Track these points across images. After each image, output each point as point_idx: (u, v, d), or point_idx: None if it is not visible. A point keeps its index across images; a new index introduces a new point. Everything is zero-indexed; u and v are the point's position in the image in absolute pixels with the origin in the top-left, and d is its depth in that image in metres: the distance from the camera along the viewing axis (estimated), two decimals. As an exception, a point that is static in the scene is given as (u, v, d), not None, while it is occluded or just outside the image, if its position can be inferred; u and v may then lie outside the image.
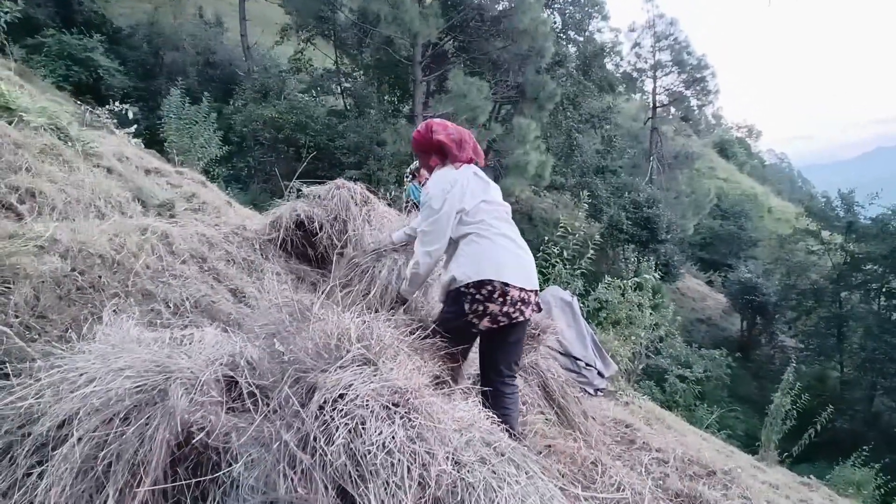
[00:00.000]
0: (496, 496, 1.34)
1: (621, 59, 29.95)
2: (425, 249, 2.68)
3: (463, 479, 1.37)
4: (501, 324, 2.55)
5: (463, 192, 2.68)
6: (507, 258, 2.63)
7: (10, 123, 3.66)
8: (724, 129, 60.68)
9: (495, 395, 2.57)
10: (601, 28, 26.70)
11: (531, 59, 19.07)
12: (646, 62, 29.83)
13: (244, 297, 3.21)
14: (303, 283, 4.12)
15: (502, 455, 1.51)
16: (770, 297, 24.71)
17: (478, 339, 2.74)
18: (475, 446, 1.51)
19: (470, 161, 2.83)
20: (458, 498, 1.32)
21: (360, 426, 1.36)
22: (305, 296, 3.24)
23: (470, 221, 2.68)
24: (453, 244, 2.71)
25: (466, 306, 2.54)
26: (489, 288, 2.53)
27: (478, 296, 2.53)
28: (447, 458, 1.42)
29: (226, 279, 3.22)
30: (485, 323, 2.54)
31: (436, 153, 2.80)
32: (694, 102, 31.56)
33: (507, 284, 2.53)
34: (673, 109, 31.42)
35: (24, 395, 1.32)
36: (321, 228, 4.16)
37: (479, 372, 2.82)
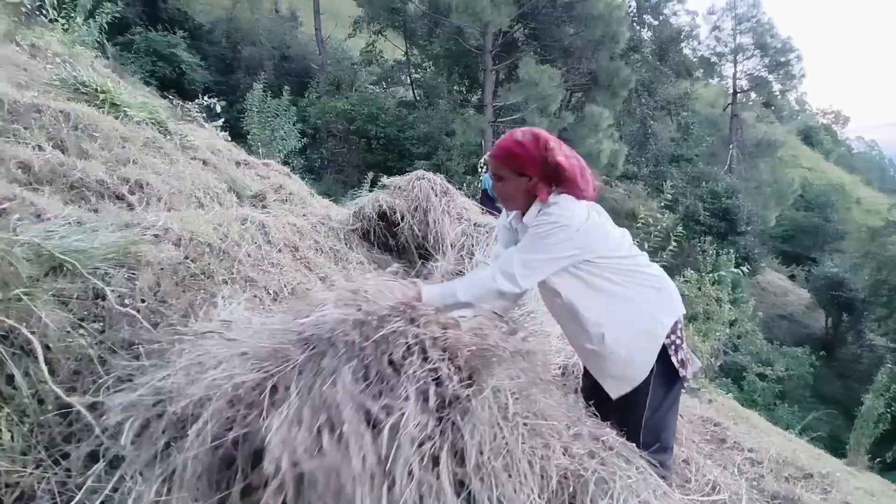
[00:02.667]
0: (609, 488, 1.33)
1: (699, 43, 28.78)
2: (503, 284, 1.79)
3: (574, 470, 1.37)
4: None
5: (598, 232, 1.90)
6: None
7: (116, 118, 3.89)
8: (808, 115, 57.41)
9: None
10: (678, 11, 25.88)
11: (605, 44, 18.64)
12: (726, 46, 28.53)
13: (333, 284, 3.31)
14: (385, 272, 4.22)
15: (611, 449, 1.50)
16: (858, 293, 23.30)
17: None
18: (584, 440, 1.51)
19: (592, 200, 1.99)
20: (571, 489, 1.32)
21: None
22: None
23: (620, 259, 1.92)
24: (606, 295, 1.90)
25: (674, 360, 1.89)
26: (680, 325, 1.95)
27: (677, 339, 1.91)
28: (561, 449, 1.42)
29: (316, 267, 3.33)
30: (689, 370, 1.96)
31: (543, 177, 1.89)
32: (777, 87, 29.96)
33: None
34: (754, 95, 29.96)
35: (159, 377, 1.40)
36: (402, 219, 4.23)
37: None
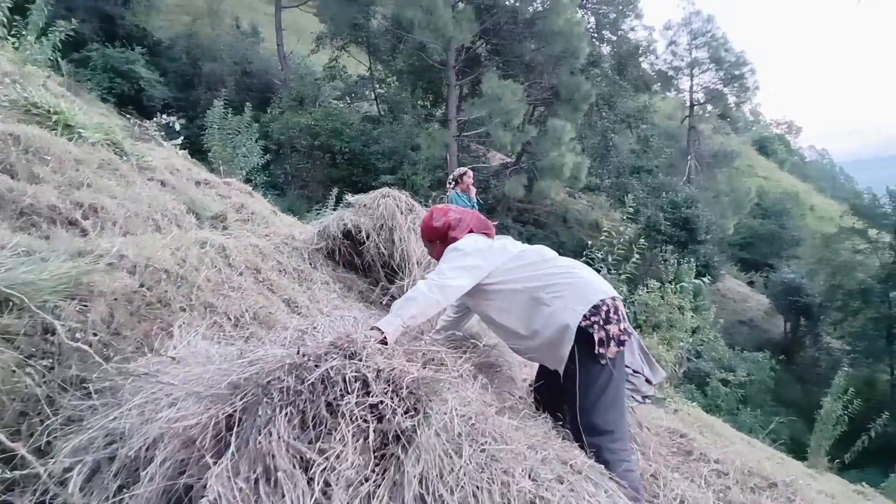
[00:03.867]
0: (577, 516, 1.32)
1: (656, 58, 29.47)
2: (433, 281, 2.24)
3: (542, 497, 1.35)
4: (624, 342, 2.21)
5: (492, 249, 2.44)
6: (589, 273, 2.38)
7: (69, 140, 3.77)
8: (763, 126, 59.24)
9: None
10: (635, 27, 26.41)
11: (565, 60, 18.96)
12: (682, 60, 29.29)
13: (297, 306, 3.25)
14: (350, 292, 4.16)
15: (579, 473, 1.49)
16: (815, 298, 24.02)
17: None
18: (551, 464, 1.50)
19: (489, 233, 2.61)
20: (539, 518, 1.31)
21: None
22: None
23: (528, 263, 2.38)
24: (521, 296, 2.29)
25: (595, 338, 2.12)
26: (605, 309, 2.18)
27: (599, 321, 2.15)
28: (524, 474, 1.40)
29: (279, 289, 3.27)
30: (612, 349, 2.14)
31: (447, 242, 2.49)
32: (732, 100, 30.83)
33: (615, 298, 2.24)
34: (710, 107, 30.77)
35: (112, 416, 1.35)
36: (368, 237, 4.19)
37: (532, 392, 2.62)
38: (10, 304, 1.65)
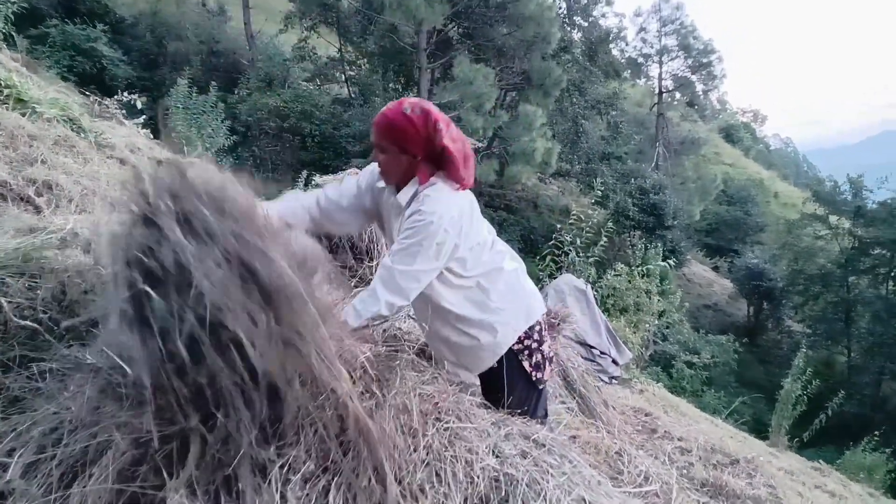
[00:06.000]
0: (541, 488, 1.32)
1: (627, 45, 29.66)
2: (391, 300, 1.74)
3: (506, 473, 1.35)
4: (553, 359, 2.05)
5: (470, 225, 1.88)
6: (529, 280, 2.08)
7: (23, 115, 3.63)
8: (729, 114, 60.24)
9: None
10: (606, 13, 26.49)
11: (537, 45, 18.91)
12: (651, 47, 29.53)
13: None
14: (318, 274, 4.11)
15: (543, 446, 1.49)
16: (777, 283, 24.68)
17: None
18: (515, 440, 1.49)
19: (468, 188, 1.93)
20: (503, 493, 1.30)
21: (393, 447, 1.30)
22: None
23: (482, 259, 1.93)
24: (462, 293, 1.90)
25: (526, 365, 1.94)
26: (538, 328, 1.99)
27: (533, 344, 1.96)
28: (488, 451, 1.40)
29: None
30: (548, 372, 2.01)
31: (426, 158, 1.82)
32: (700, 87, 31.26)
33: (546, 313, 2.06)
34: (679, 95, 31.17)
35: (58, 401, 1.29)
36: (336, 217, 4.13)
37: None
38: (-47, 280, 1.57)
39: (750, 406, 17.43)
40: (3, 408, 1.31)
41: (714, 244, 30.43)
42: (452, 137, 1.81)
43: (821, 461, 7.70)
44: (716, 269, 30.79)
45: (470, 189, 1.92)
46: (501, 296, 1.91)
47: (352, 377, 1.36)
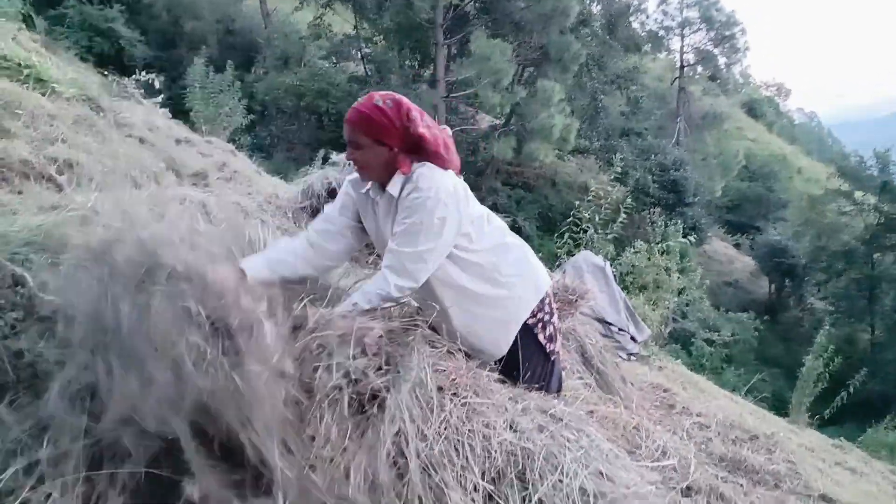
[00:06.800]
0: (558, 462, 1.33)
1: (647, 18, 29.14)
2: (400, 283, 1.73)
3: (523, 447, 1.35)
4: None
5: (467, 199, 1.86)
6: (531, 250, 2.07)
7: (43, 95, 3.66)
8: (752, 88, 58.90)
9: None
10: (626, -16, 25.92)
11: (555, 18, 18.60)
12: (673, 20, 29.00)
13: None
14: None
15: (560, 421, 1.49)
16: (799, 260, 24.33)
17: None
18: (532, 414, 1.50)
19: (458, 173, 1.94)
20: (520, 467, 1.31)
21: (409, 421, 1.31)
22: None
23: (484, 233, 1.91)
24: (474, 273, 1.88)
25: (541, 338, 1.95)
26: (547, 301, 1.99)
27: (545, 317, 1.96)
28: (506, 425, 1.40)
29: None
30: (559, 343, 2.02)
31: (404, 148, 1.80)
32: (722, 61, 30.71)
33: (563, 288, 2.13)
34: (700, 68, 30.61)
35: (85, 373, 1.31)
36: (352, 195, 4.14)
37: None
38: (-22, 256, 1.60)
39: (770, 383, 17.32)
40: (30, 384, 1.34)
41: (736, 221, 30.02)
42: (427, 125, 1.82)
43: (842, 438, 7.63)
44: (737, 246, 30.40)
45: (461, 175, 1.92)
46: (512, 270, 1.90)
47: (365, 353, 1.36)
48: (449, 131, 1.91)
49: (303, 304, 1.51)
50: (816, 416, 8.95)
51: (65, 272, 1.48)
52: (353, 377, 1.29)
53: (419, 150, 1.80)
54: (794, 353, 18.63)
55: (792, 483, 2.60)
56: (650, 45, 29.34)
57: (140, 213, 1.46)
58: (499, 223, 1.99)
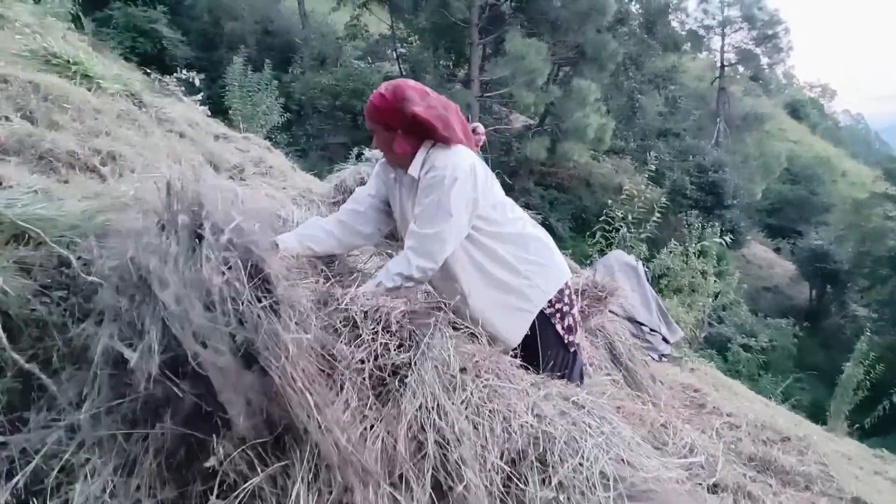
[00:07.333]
0: (579, 447, 1.34)
1: (687, 16, 28.63)
2: (421, 264, 1.79)
3: (544, 430, 1.36)
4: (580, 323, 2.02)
5: (485, 180, 1.89)
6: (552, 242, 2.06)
7: (89, 90, 3.80)
8: (795, 88, 57.37)
9: None
10: (665, -17, 25.48)
11: (591, 17, 18.43)
12: (713, 18, 28.41)
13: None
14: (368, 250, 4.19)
15: (583, 408, 1.50)
16: (842, 265, 23.59)
17: None
18: (554, 400, 1.51)
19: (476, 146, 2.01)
20: (541, 449, 1.32)
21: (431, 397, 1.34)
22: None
23: (503, 220, 1.93)
24: (491, 258, 1.90)
25: (559, 328, 1.95)
26: (567, 292, 2.00)
27: (564, 308, 1.97)
28: (527, 409, 1.42)
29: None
30: (579, 335, 2.02)
31: (405, 130, 1.86)
32: (764, 61, 29.95)
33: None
34: (742, 68, 29.93)
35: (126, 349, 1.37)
36: (384, 190, 4.20)
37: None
38: (27, 237, 1.68)
39: (809, 392, 16.87)
40: (75, 360, 1.41)
41: (776, 224, 29.25)
42: (429, 105, 1.86)
43: (884, 450, 7.39)
44: (777, 250, 29.61)
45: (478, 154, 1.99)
46: (532, 259, 1.93)
47: (388, 331, 1.40)
48: (455, 107, 1.95)
49: (329, 282, 1.56)
50: (856, 425, 8.68)
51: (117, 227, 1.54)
52: (376, 353, 1.33)
53: (418, 129, 1.86)
54: (834, 361, 18.07)
55: (823, 486, 2.54)
56: (690, 44, 28.83)
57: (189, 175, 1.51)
58: (521, 213, 2.03)
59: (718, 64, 28.98)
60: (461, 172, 1.79)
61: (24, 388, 1.33)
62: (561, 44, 19.47)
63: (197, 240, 1.26)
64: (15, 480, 1.12)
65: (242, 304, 1.18)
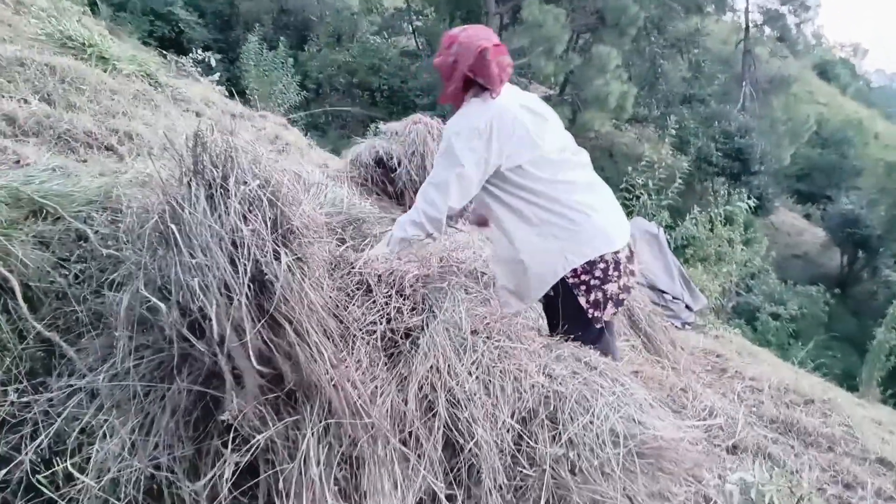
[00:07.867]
0: (590, 405, 1.34)
1: (710, -24, 27.61)
2: (426, 210, 1.82)
3: (555, 390, 1.37)
4: (623, 302, 1.96)
5: (511, 137, 1.86)
6: (608, 216, 1.98)
7: (104, 71, 3.84)
8: (825, 49, 55.33)
9: None
10: (687, -58, 24.64)
11: (611, -20, 17.98)
12: (738, -23, 27.42)
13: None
14: (383, 220, 4.21)
15: (594, 369, 1.50)
16: (874, 230, 22.95)
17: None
18: (566, 361, 1.51)
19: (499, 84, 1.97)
20: (551, 408, 1.33)
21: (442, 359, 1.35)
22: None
23: (538, 179, 1.88)
24: (517, 215, 1.89)
25: (582, 301, 1.87)
26: (602, 266, 1.88)
27: (592, 281, 1.88)
28: (538, 370, 1.42)
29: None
30: (609, 312, 1.91)
31: (450, 81, 1.92)
32: (791, 20, 28.86)
33: (617, 252, 1.92)
34: (768, 29, 28.91)
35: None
36: (400, 164, 4.19)
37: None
38: (45, 212, 1.73)
39: (840, 360, 16.61)
40: (100, 330, 1.45)
41: (805, 190, 28.49)
42: (453, 53, 1.92)
43: (919, 419, 7.24)
44: (807, 216, 28.92)
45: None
46: (556, 225, 1.86)
47: (402, 295, 1.42)
48: (487, 50, 1.90)
49: (344, 246, 1.58)
50: (889, 392, 8.53)
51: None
52: (389, 315, 1.35)
53: (451, 79, 1.92)
54: (866, 328, 17.71)
55: (847, 447, 2.51)
56: (713, 5, 27.84)
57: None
58: (573, 177, 1.96)
59: (743, 25, 28.03)
60: (468, 128, 1.82)
61: (46, 355, 1.38)
62: (580, 9, 19.03)
63: (223, 190, 1.28)
64: (38, 441, 1.17)
65: (265, 254, 1.19)
